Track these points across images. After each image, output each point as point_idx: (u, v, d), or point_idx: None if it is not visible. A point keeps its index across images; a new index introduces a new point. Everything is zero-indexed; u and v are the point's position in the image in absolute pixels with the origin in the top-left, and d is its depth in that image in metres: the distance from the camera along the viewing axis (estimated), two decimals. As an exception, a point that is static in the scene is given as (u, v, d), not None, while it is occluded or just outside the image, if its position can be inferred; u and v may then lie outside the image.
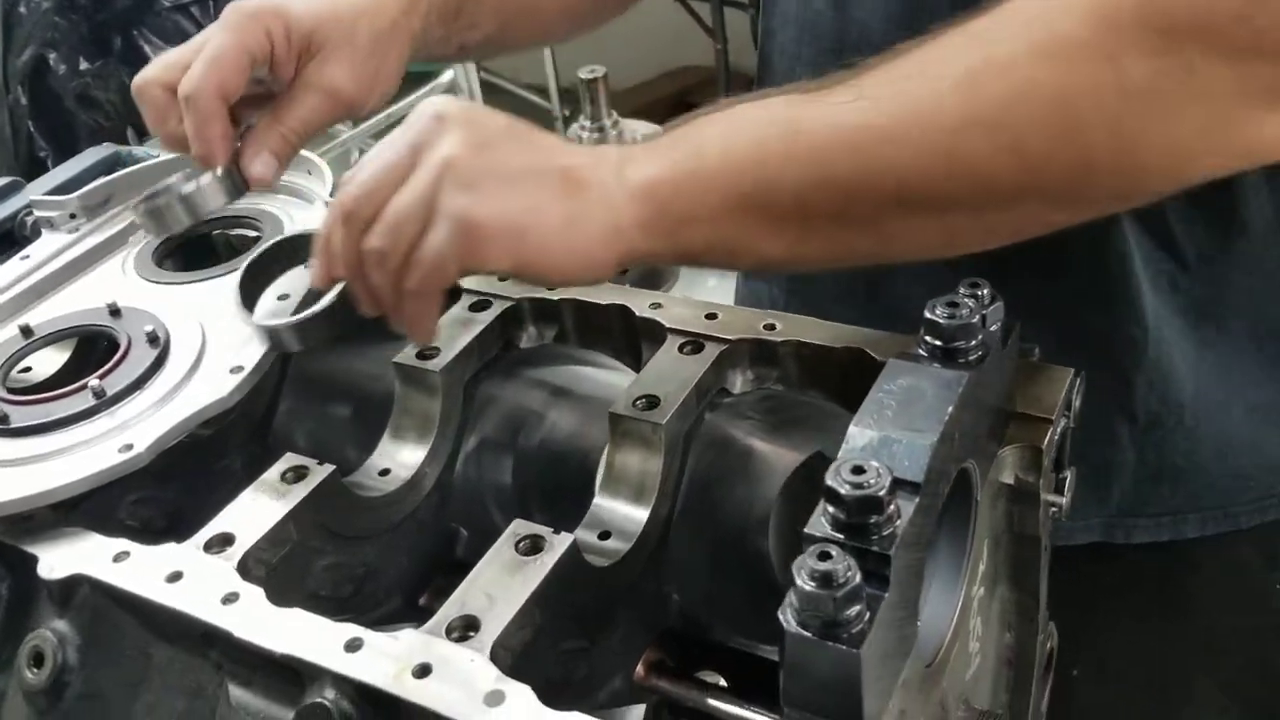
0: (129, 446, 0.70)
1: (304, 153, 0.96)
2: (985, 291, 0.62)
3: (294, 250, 0.86)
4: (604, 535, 0.70)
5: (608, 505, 0.71)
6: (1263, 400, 0.91)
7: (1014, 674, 0.80)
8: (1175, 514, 0.94)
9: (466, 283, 0.85)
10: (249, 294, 0.83)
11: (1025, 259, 0.79)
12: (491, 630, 0.58)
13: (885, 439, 0.52)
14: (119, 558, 0.65)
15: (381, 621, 0.78)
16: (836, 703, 0.48)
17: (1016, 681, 0.80)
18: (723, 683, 0.80)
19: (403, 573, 0.79)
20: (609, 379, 0.91)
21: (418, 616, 0.79)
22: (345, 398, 0.95)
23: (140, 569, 0.64)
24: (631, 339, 0.82)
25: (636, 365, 0.83)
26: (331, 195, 0.91)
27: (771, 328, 0.77)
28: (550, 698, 0.58)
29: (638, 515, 0.70)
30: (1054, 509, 0.71)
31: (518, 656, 0.58)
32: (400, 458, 0.78)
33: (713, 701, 0.75)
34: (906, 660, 0.53)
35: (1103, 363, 0.86)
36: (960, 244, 0.68)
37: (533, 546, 0.63)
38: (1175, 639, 1.00)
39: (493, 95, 3.75)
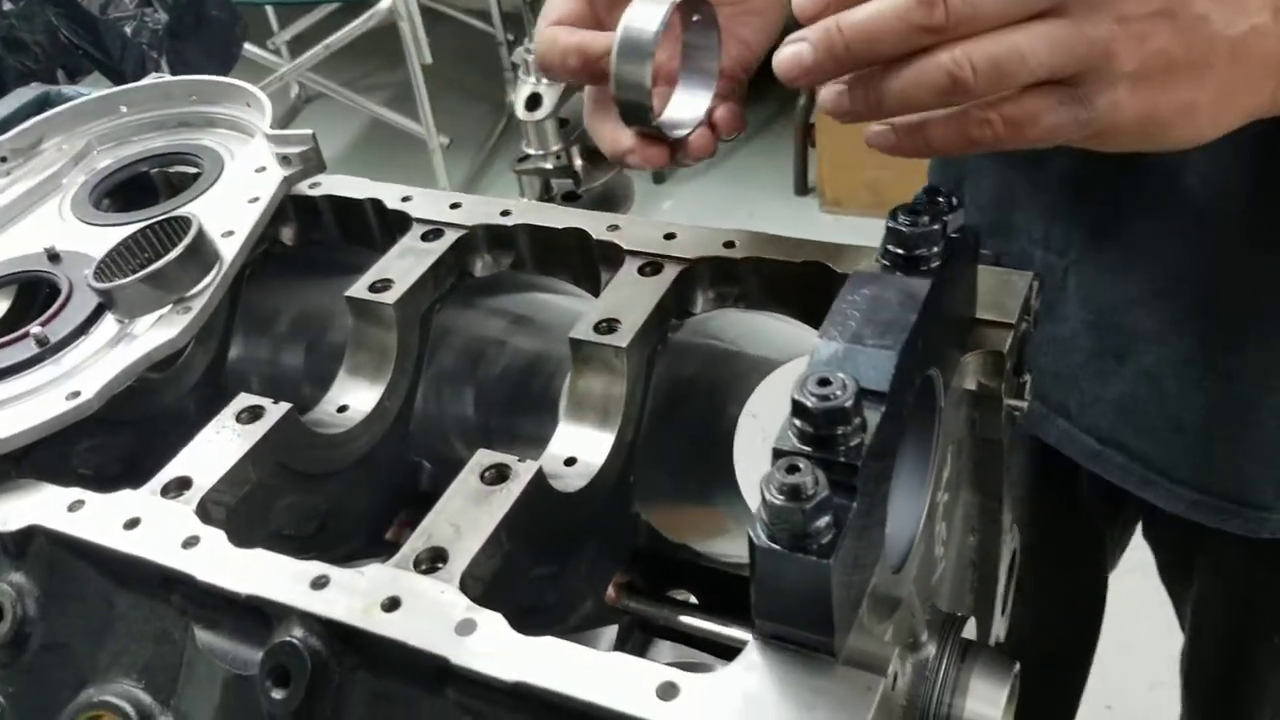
0: (76, 394, 0.68)
1: (243, 84, 0.94)
2: (945, 198, 0.61)
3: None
4: (570, 461, 0.69)
5: (573, 431, 0.71)
6: None
7: (978, 575, 0.81)
8: None
9: (416, 211, 0.84)
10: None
11: None
12: (460, 561, 0.57)
13: (850, 350, 0.52)
14: (74, 507, 0.63)
15: (347, 558, 0.77)
16: (807, 612, 0.48)
17: (980, 582, 0.81)
18: (693, 600, 0.81)
19: (366, 508, 0.78)
20: (568, 304, 0.90)
21: (384, 551, 0.78)
22: (297, 333, 0.94)
23: (96, 517, 0.63)
24: (589, 263, 0.81)
25: (595, 290, 0.81)
26: (271, 127, 0.88)
27: (730, 245, 0.76)
28: (522, 624, 0.58)
29: (603, 440, 0.70)
30: (1015, 412, 0.71)
31: (487, 585, 0.58)
32: (358, 394, 0.76)
33: (684, 618, 0.76)
34: (874, 567, 0.53)
35: None
36: None
37: (498, 475, 0.62)
38: None
39: (433, 20, 3.67)
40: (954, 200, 0.61)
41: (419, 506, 0.83)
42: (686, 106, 0.65)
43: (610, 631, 0.72)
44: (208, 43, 2.45)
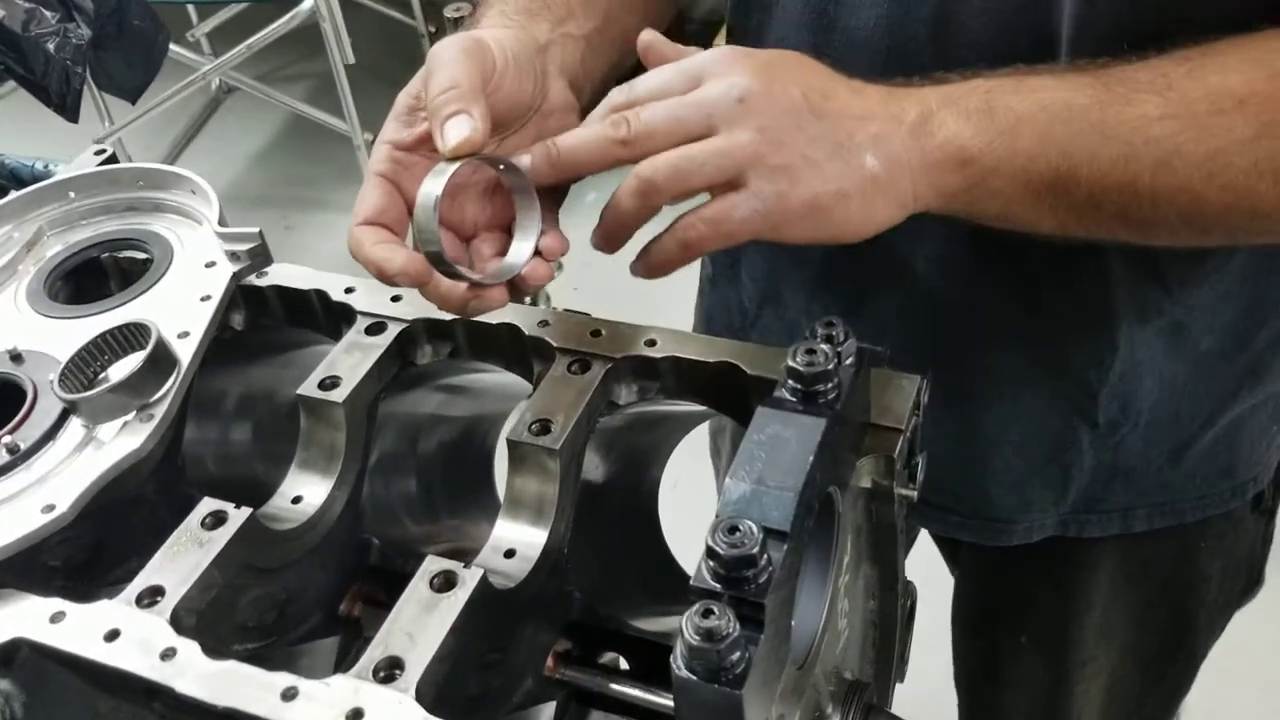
0: (51, 507, 0.74)
1: (187, 174, 0.98)
2: (839, 330, 0.69)
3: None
4: (509, 554, 0.76)
5: (511, 526, 0.77)
6: (1225, 412, 0.98)
7: (879, 633, 0.90)
8: (1125, 510, 1.03)
9: (359, 304, 0.89)
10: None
11: (1010, 286, 0.87)
12: (415, 670, 0.64)
13: (756, 492, 0.59)
14: (55, 618, 0.69)
15: (306, 637, 0.84)
16: (723, 728, 0.56)
17: (881, 639, 0.90)
18: (624, 664, 0.89)
19: (321, 590, 0.84)
20: (498, 378, 0.96)
21: (339, 628, 0.85)
22: (247, 411, 0.99)
23: (77, 628, 0.68)
24: (522, 354, 0.87)
25: (529, 376, 0.88)
26: (221, 223, 0.93)
27: (652, 343, 0.83)
28: (471, 715, 0.65)
29: (539, 535, 0.77)
30: (908, 499, 0.80)
31: (440, 690, 0.65)
32: (310, 485, 0.82)
33: (615, 686, 0.83)
34: (781, 675, 0.62)
35: (1071, 380, 0.94)
36: (1208, 244, 0.77)
37: (446, 583, 0.68)
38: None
39: (353, 11, 3.66)
40: (846, 332, 0.69)
41: (369, 579, 0.90)
42: (519, 250, 0.76)
43: (549, 710, 0.80)
44: (130, 52, 2.46)
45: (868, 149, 0.70)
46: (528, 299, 0.81)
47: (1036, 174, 0.71)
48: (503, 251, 0.78)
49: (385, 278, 0.73)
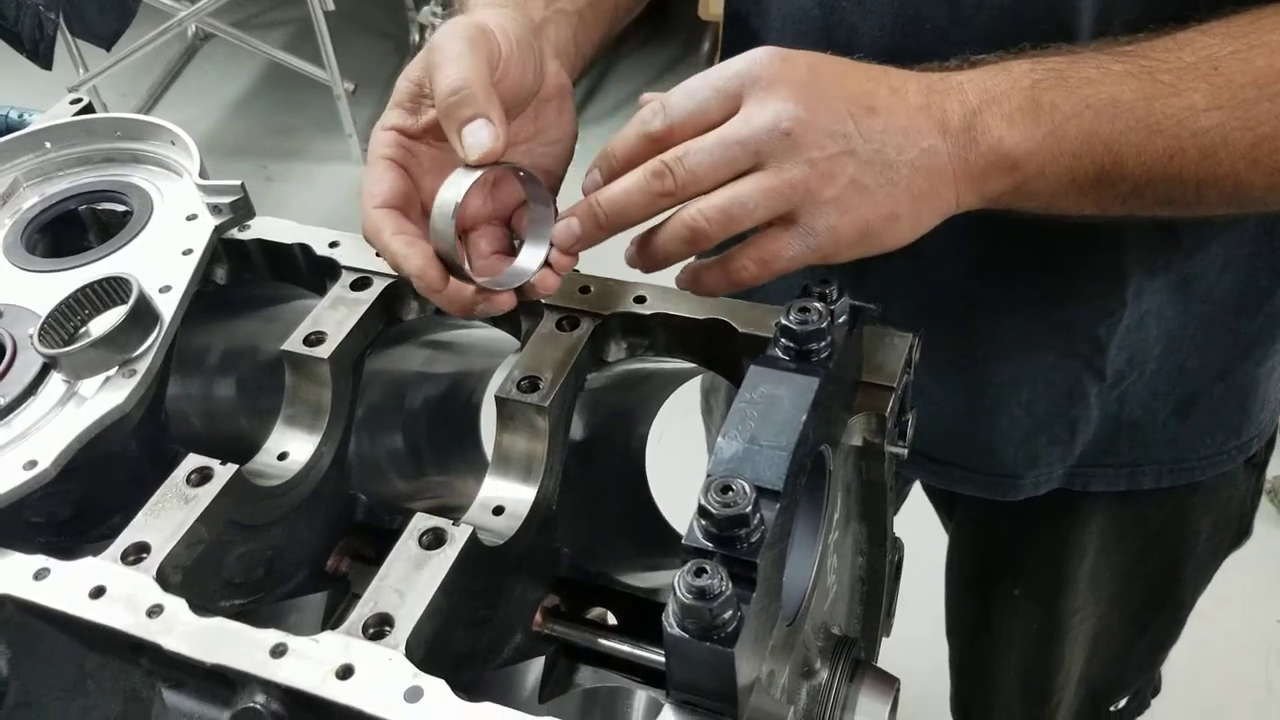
0: (33, 463, 0.73)
1: (166, 124, 0.97)
2: (832, 289, 0.68)
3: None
4: (498, 510, 0.76)
5: (500, 483, 0.77)
6: (1236, 369, 0.99)
7: (867, 589, 0.90)
8: (1133, 466, 1.04)
9: (344, 258, 0.88)
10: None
11: (1021, 250, 0.86)
12: (404, 627, 0.64)
13: (749, 451, 0.59)
14: (39, 575, 0.68)
15: (293, 593, 0.83)
16: (714, 686, 0.56)
17: (869, 595, 0.91)
18: (612, 619, 0.89)
19: (308, 546, 0.84)
20: (485, 334, 0.96)
21: (326, 583, 0.85)
22: (231, 366, 0.98)
23: (62, 585, 0.68)
24: (511, 312, 0.86)
25: (516, 333, 0.87)
26: (201, 175, 0.91)
27: (642, 300, 0.82)
28: (461, 668, 0.65)
29: (527, 492, 0.76)
30: (898, 456, 0.80)
31: (430, 647, 0.65)
32: (296, 441, 0.82)
33: (603, 641, 0.83)
34: (773, 631, 0.62)
35: (1080, 336, 0.94)
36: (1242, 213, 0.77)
37: (435, 540, 0.68)
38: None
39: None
40: (839, 289, 0.69)
41: (356, 534, 0.90)
42: (530, 256, 0.75)
43: (537, 665, 0.80)
44: (104, -2, 2.40)
45: (915, 166, 0.68)
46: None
47: (1081, 171, 0.70)
48: (501, 248, 0.77)
49: (398, 271, 0.72)
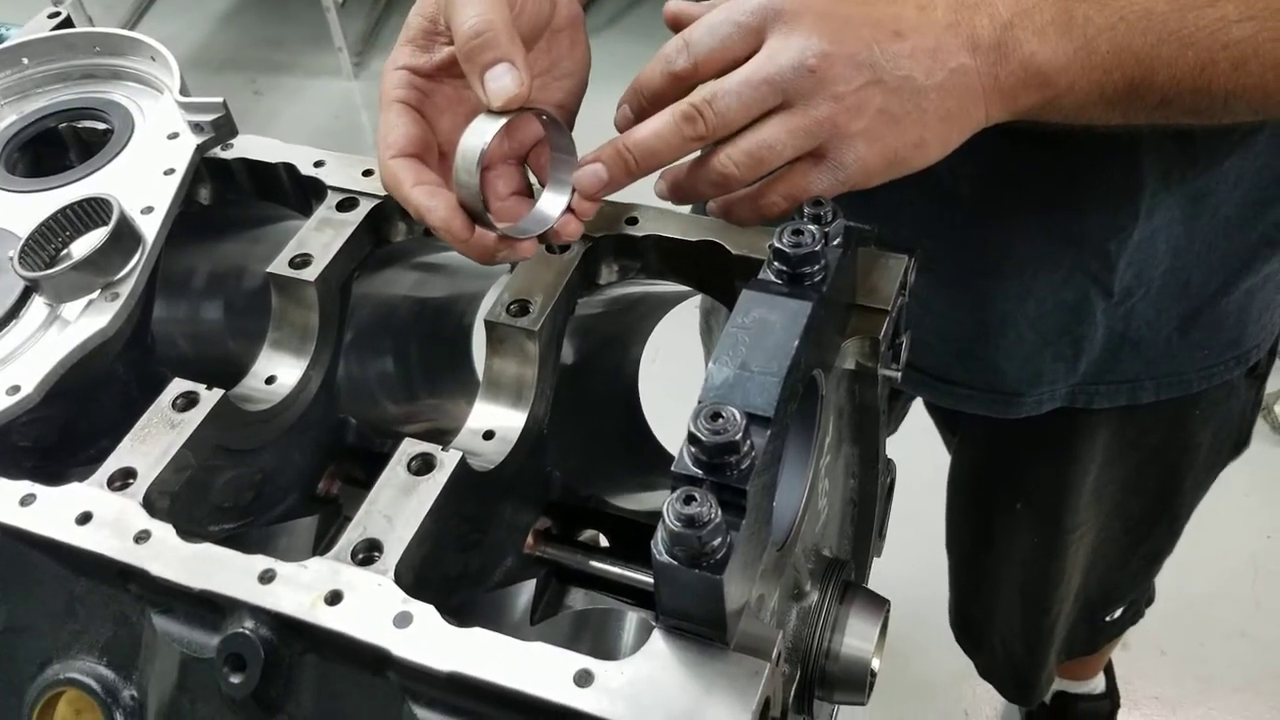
0: (16, 388, 0.72)
1: (147, 40, 0.94)
2: (826, 210, 0.67)
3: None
4: (488, 435, 0.76)
5: (490, 408, 0.76)
6: (1238, 282, 0.98)
7: (858, 511, 0.90)
8: (1133, 381, 1.04)
9: (330, 178, 0.87)
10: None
11: (1037, 158, 0.85)
12: (394, 552, 0.63)
13: (739, 377, 0.58)
14: (25, 500, 0.68)
15: (283, 517, 0.83)
16: (703, 613, 0.56)
17: (860, 517, 0.91)
18: (604, 541, 0.89)
19: (298, 470, 0.83)
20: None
21: (316, 508, 0.85)
22: (217, 288, 0.97)
23: (48, 511, 0.67)
24: (500, 232, 0.85)
25: (506, 254, 0.86)
26: (182, 92, 0.89)
27: (633, 221, 0.81)
28: (451, 591, 0.65)
29: (517, 417, 0.76)
30: (891, 380, 0.79)
31: (419, 572, 0.65)
32: (284, 365, 0.81)
33: (594, 563, 0.84)
34: (762, 556, 0.61)
35: (1090, 251, 0.94)
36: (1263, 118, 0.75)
37: (424, 465, 0.68)
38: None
39: None
40: (834, 211, 0.67)
41: (346, 458, 0.89)
42: (552, 202, 0.74)
43: (529, 588, 0.80)
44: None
45: (944, 87, 0.67)
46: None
47: (1111, 85, 0.69)
48: (518, 188, 0.76)
49: (422, 222, 0.71)
